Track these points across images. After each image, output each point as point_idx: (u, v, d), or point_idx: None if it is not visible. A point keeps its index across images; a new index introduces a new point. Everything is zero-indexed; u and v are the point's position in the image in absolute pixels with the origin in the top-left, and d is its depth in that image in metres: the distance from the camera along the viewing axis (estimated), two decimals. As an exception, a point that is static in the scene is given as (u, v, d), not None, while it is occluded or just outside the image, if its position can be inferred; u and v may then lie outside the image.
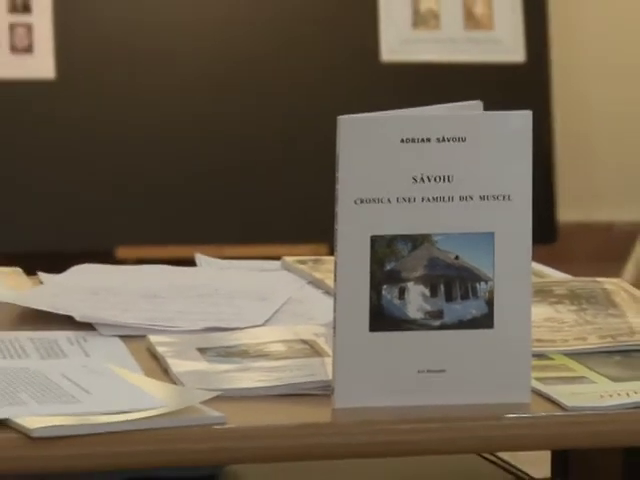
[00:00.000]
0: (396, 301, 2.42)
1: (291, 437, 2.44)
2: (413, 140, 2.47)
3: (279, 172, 8.15)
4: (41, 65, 7.74)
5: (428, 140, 2.48)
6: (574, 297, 2.98)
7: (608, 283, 3.05)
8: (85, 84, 8.15)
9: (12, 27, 7.50)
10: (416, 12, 7.44)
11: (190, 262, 3.56)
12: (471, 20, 7.56)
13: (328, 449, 2.48)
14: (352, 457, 2.60)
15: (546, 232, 5.84)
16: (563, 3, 8.27)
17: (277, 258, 3.53)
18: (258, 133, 8.27)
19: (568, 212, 6.74)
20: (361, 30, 7.67)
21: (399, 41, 7.67)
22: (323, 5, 8.30)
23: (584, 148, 8.13)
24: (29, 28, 7.34)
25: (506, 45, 7.75)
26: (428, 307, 2.42)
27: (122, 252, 6.43)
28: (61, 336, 2.80)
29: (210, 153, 7.76)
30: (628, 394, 2.48)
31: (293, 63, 7.73)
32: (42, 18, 7.63)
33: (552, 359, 2.64)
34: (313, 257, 3.41)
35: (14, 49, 7.88)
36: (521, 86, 7.98)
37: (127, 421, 2.37)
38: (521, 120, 2.53)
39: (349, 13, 8.09)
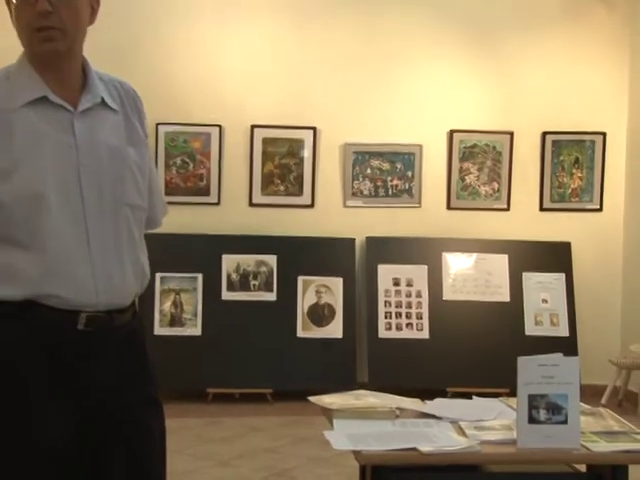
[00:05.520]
0: (535, 413, 2.48)
1: (502, 456, 2.52)
2: (544, 364, 2.50)
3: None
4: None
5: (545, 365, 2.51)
6: (593, 413, 2.79)
7: (602, 411, 2.84)
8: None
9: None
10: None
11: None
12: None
13: (516, 460, 2.54)
14: (524, 463, 2.60)
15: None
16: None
17: (493, 395, 3.23)
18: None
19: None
20: (514, 328, 6.21)
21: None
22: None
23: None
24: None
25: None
26: (545, 417, 2.49)
27: (450, 389, 5.71)
28: (431, 421, 2.70)
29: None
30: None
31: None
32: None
33: (585, 434, 2.56)
34: (506, 397, 3.06)
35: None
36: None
37: (452, 449, 2.45)
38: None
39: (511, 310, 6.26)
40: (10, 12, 2.08)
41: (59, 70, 2.07)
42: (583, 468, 2.77)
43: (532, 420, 2.50)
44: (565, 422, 2.50)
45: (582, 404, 2.66)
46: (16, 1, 2.02)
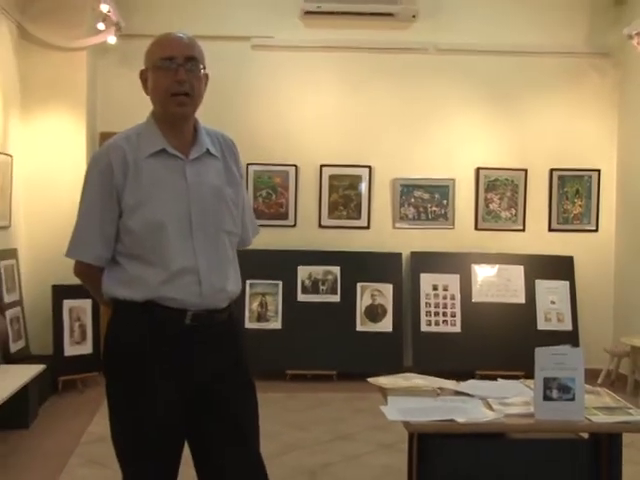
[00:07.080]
0: (549, 392, 2.44)
1: (522, 426, 2.41)
2: (556, 354, 2.43)
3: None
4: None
5: (556, 354, 2.43)
6: (594, 392, 2.74)
7: (600, 391, 2.78)
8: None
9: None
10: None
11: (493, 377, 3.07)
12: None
13: (533, 429, 2.41)
14: (539, 432, 2.47)
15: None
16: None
17: (513, 377, 3.08)
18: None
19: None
20: (528, 324, 6.05)
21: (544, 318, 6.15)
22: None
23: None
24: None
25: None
26: (557, 395, 2.44)
27: (479, 372, 5.49)
28: (465, 398, 2.64)
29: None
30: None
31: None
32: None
33: (588, 408, 2.52)
34: (524, 379, 2.95)
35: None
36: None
37: (482, 421, 2.39)
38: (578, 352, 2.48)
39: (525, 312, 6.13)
40: (143, 83, 2.10)
41: (178, 128, 2.10)
42: (586, 435, 2.72)
43: (546, 398, 2.46)
44: (573, 399, 2.46)
45: (585, 385, 2.60)
46: (157, 72, 2.04)
